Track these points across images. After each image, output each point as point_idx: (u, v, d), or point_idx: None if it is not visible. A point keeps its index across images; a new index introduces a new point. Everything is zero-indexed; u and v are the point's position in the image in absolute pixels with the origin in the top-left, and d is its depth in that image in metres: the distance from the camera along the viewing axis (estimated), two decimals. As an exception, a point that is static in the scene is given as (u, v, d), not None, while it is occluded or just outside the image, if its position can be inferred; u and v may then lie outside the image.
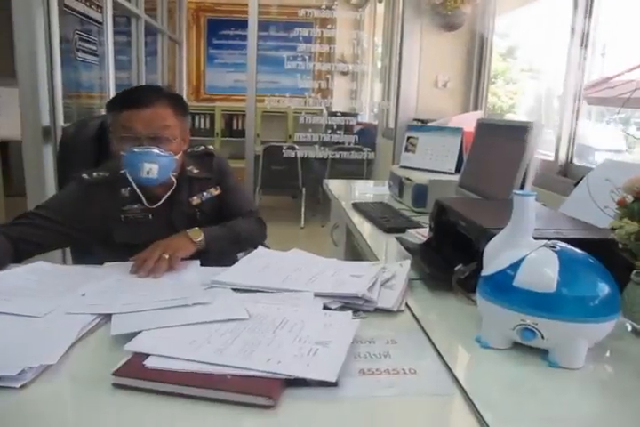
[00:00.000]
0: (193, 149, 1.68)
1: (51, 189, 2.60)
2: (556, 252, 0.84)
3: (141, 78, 4.52)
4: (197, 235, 1.41)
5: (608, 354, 0.89)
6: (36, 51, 2.51)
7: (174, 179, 1.53)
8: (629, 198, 0.99)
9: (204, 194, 1.62)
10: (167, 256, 1.24)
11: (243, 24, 4.10)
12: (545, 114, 3.15)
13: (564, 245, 0.87)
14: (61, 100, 2.68)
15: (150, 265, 1.21)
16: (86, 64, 3.26)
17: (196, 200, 1.60)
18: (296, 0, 4.69)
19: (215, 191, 1.64)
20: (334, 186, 2.74)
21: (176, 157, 1.50)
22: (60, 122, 2.66)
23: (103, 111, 3.45)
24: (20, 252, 1.36)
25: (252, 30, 3.92)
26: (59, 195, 1.56)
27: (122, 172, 1.48)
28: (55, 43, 2.61)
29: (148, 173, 1.43)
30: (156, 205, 1.52)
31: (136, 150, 1.43)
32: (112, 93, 3.55)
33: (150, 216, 1.53)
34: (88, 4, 3.19)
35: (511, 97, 4.55)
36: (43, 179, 2.60)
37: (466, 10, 3.34)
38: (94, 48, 3.33)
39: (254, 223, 1.69)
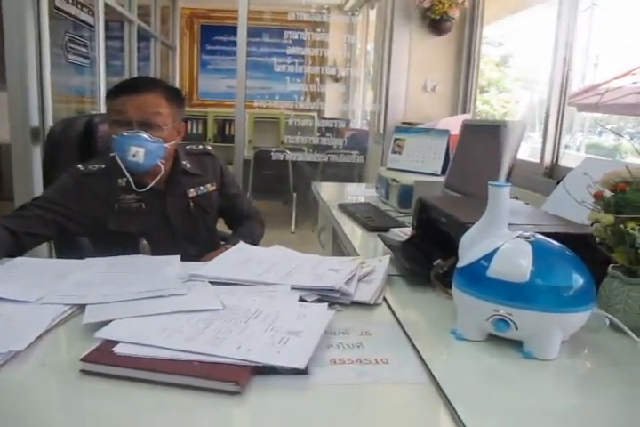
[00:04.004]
0: (192, 146, 1.76)
1: (38, 189, 2.59)
2: (530, 242, 0.84)
3: (133, 83, 4.52)
4: None
5: (584, 347, 0.88)
6: (25, 52, 2.51)
7: (162, 166, 1.58)
8: (606, 192, 0.99)
9: (201, 188, 1.70)
10: None
11: (236, 30, 4.12)
12: (538, 122, 3.17)
13: (538, 236, 0.87)
14: (51, 101, 2.68)
15: None
16: (77, 68, 3.26)
17: (192, 193, 1.68)
18: (289, 6, 4.71)
19: (211, 187, 1.73)
20: (324, 189, 2.75)
21: (166, 144, 1.56)
22: (49, 123, 2.66)
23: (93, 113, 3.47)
24: (23, 244, 1.41)
25: (242, 36, 3.96)
26: (54, 186, 1.58)
27: (111, 155, 1.55)
28: (45, 45, 2.62)
29: (134, 156, 1.51)
30: (143, 190, 1.58)
31: (125, 134, 1.51)
32: (103, 98, 3.55)
33: (144, 206, 1.59)
34: (79, 6, 3.19)
35: (504, 105, 4.59)
36: (30, 179, 2.60)
37: (454, 14, 3.37)
38: (85, 50, 3.33)
39: (259, 225, 1.87)
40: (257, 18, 5.17)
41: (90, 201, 1.54)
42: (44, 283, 1.04)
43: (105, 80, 3.59)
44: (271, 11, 5.48)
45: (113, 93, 1.55)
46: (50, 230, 1.49)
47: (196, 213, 1.68)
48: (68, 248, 1.75)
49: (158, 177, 1.60)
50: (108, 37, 3.68)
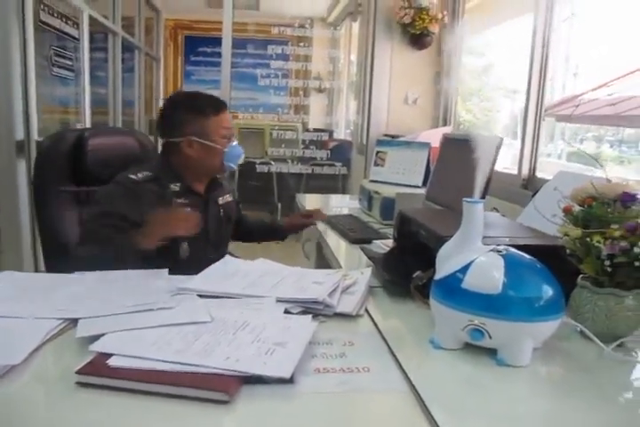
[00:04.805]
0: None
1: (24, 203, 2.60)
2: (502, 256, 0.89)
3: (118, 94, 4.54)
4: None
5: (555, 354, 0.93)
6: (10, 65, 2.53)
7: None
8: (575, 207, 1.04)
9: (226, 197, 1.87)
10: None
11: (220, 41, 4.16)
12: (520, 130, 3.22)
13: (510, 249, 0.92)
14: (36, 114, 2.69)
15: None
16: (62, 80, 3.28)
17: (221, 200, 1.84)
18: (273, 18, 4.77)
19: (230, 198, 1.90)
20: (308, 200, 2.78)
21: None
22: (35, 136, 2.66)
23: (79, 126, 3.47)
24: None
25: (227, 48, 4.01)
26: (107, 199, 1.61)
27: (228, 164, 1.76)
28: (30, 58, 2.63)
29: (241, 160, 1.82)
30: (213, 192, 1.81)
31: (234, 144, 1.75)
32: (87, 109, 3.55)
33: (189, 210, 1.65)
34: (64, 19, 3.22)
35: (486, 114, 4.65)
36: (16, 193, 2.60)
37: (434, 29, 3.45)
38: (70, 63, 3.35)
39: None
40: (241, 29, 5.22)
41: (144, 206, 1.58)
42: (35, 297, 1.07)
43: (90, 91, 3.60)
44: (256, 22, 5.53)
45: (213, 112, 1.70)
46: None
47: (224, 219, 1.83)
48: (57, 262, 1.76)
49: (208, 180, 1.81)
50: (92, 49, 3.69)
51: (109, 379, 0.75)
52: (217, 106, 1.72)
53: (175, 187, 1.68)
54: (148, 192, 1.62)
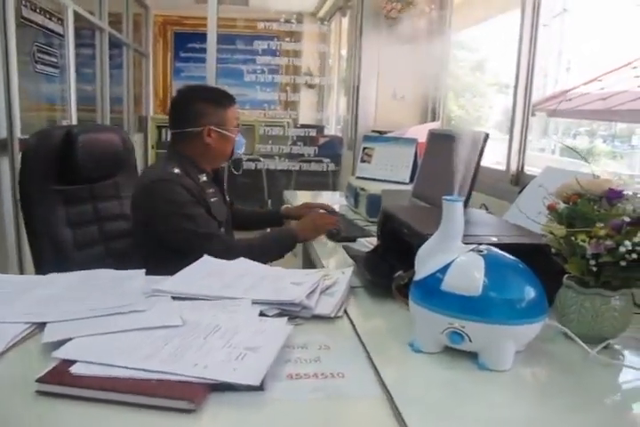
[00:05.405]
0: None
1: (7, 202, 2.56)
2: (482, 256, 0.86)
3: (105, 91, 4.49)
4: None
5: (539, 357, 0.90)
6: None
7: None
8: (560, 204, 1.01)
9: (224, 184, 2.00)
10: None
11: (209, 37, 4.12)
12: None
13: (491, 249, 0.89)
14: (19, 111, 2.64)
15: None
16: (47, 77, 3.23)
17: (225, 186, 1.98)
18: (262, 13, 4.73)
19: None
20: (297, 197, 2.75)
21: None
22: (18, 134, 2.62)
23: (65, 123, 3.43)
24: None
25: (212, 43, 3.97)
26: (179, 200, 1.65)
27: (236, 151, 1.89)
28: (12, 55, 2.59)
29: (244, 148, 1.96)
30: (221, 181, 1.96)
31: (240, 134, 1.88)
32: (73, 106, 3.51)
33: (217, 197, 1.80)
34: (48, 15, 3.17)
35: (477, 109, 4.61)
36: (-1, 192, 2.56)
37: (422, 24, 3.42)
38: (55, 60, 3.30)
39: None
40: (230, 25, 5.17)
41: (197, 198, 1.68)
42: (3, 300, 1.04)
43: (76, 88, 3.55)
44: (244, 18, 5.48)
45: (228, 104, 1.82)
46: None
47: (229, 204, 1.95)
48: (54, 261, 1.72)
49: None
50: (78, 45, 3.64)
51: (70, 388, 0.72)
52: (230, 98, 1.84)
53: (203, 177, 1.76)
54: (189, 186, 1.68)
